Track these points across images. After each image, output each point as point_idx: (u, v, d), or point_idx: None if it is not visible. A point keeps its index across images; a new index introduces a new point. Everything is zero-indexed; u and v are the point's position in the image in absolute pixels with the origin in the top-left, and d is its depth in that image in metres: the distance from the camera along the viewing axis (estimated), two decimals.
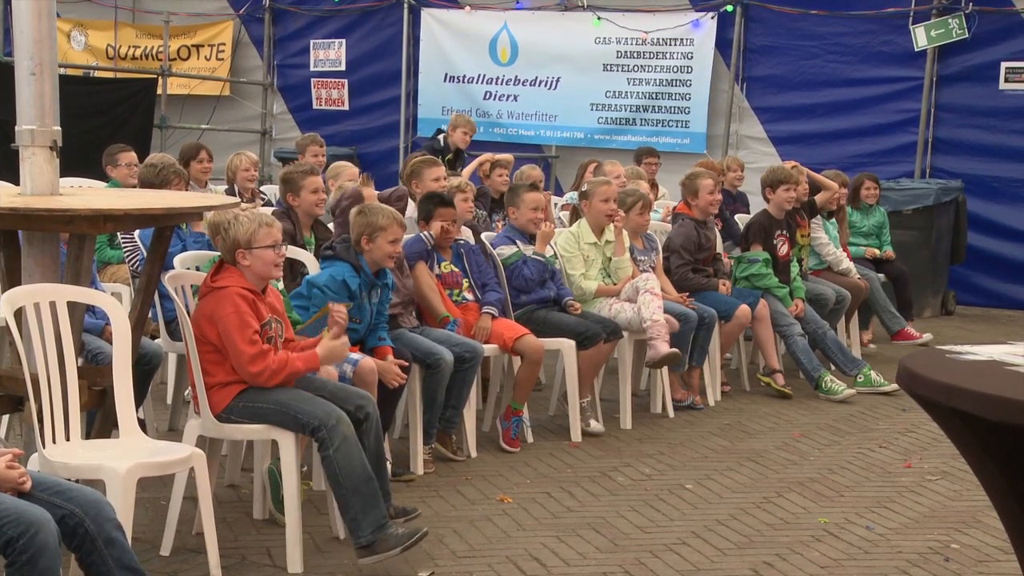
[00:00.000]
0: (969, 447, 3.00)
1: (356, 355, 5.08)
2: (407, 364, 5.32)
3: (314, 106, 14.00)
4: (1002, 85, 10.98)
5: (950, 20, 11.05)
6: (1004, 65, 10.95)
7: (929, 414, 3.02)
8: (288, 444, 4.41)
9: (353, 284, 5.17)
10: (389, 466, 5.40)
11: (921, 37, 11.19)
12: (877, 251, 9.26)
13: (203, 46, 14.36)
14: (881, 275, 9.02)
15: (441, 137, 9.71)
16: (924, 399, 2.92)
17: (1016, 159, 10.91)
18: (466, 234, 6.61)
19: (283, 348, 4.53)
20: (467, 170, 8.61)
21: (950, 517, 5.15)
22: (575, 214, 7.14)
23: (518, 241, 6.51)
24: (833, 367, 7.72)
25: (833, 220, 8.72)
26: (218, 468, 4.99)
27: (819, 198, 8.43)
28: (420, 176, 6.81)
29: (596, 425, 6.33)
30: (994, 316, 10.74)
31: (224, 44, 14.29)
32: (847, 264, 8.51)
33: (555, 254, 6.75)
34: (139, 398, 5.38)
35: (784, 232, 7.72)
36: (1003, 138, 10.97)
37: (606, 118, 12.68)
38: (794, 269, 7.76)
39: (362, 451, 4.39)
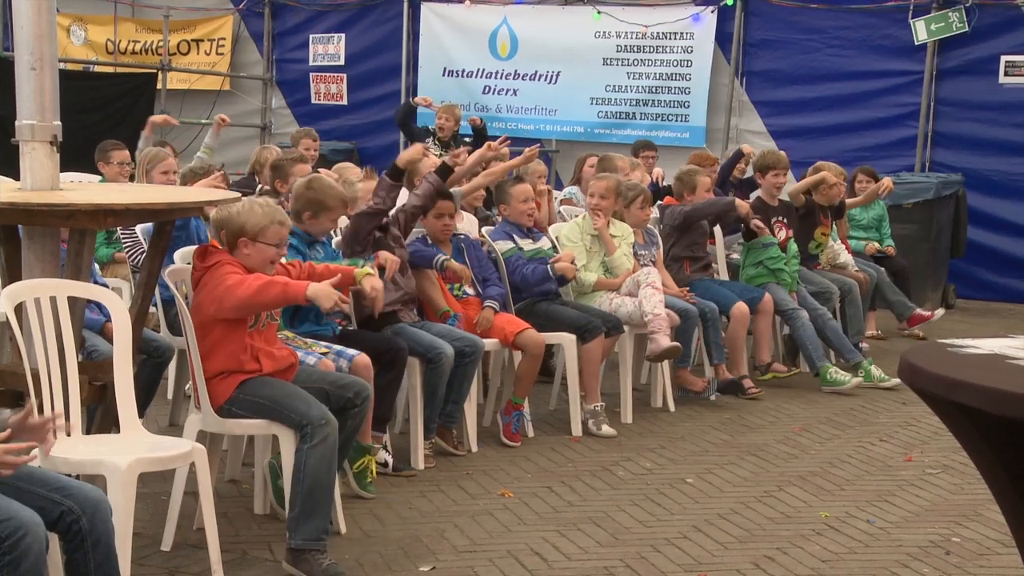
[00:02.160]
0: (971, 441, 2.99)
1: (352, 351, 5.06)
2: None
3: (312, 101, 14.00)
4: (1002, 79, 10.97)
5: (950, 13, 11.05)
6: (1004, 59, 10.95)
7: (931, 407, 3.01)
8: (288, 439, 4.41)
9: (294, 241, 5.13)
10: (391, 460, 5.42)
11: (921, 31, 11.18)
12: (877, 245, 9.25)
13: (203, 41, 14.35)
14: (881, 269, 9.01)
15: (431, 138, 9.74)
16: (926, 393, 2.91)
17: (1016, 153, 10.91)
18: (470, 224, 6.61)
19: (268, 328, 4.52)
20: (471, 160, 8.60)
21: (951, 511, 5.16)
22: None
23: (515, 236, 6.50)
24: (833, 355, 7.72)
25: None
26: (219, 463, 4.99)
27: (850, 202, 8.49)
28: (415, 170, 6.78)
29: (608, 429, 6.31)
30: (994, 309, 10.74)
31: (224, 39, 14.28)
32: (844, 258, 8.50)
33: (554, 246, 6.75)
34: (151, 392, 5.39)
35: (781, 218, 7.72)
36: (1003, 132, 10.97)
37: (606, 112, 12.68)
38: (790, 252, 7.71)
39: (335, 461, 4.39)
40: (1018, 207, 10.96)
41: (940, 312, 8.88)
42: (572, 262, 6.47)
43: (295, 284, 4.39)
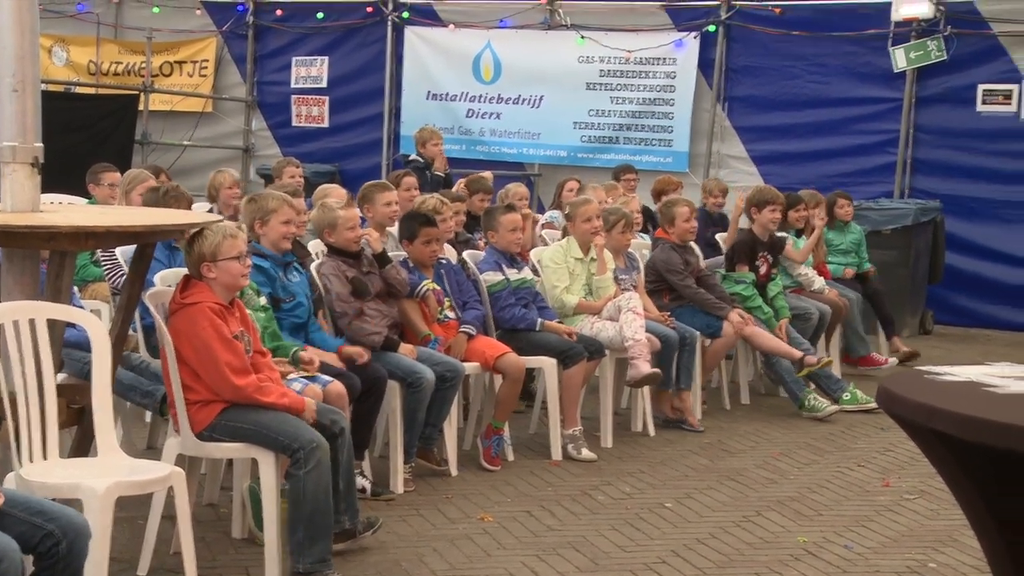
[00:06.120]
0: (947, 467, 3.01)
1: (326, 377, 5.05)
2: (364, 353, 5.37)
3: (293, 123, 13.99)
4: (979, 107, 11.09)
5: (929, 42, 11.16)
6: (981, 87, 11.07)
7: (908, 434, 3.03)
8: (268, 463, 4.40)
9: (266, 264, 5.19)
10: (369, 485, 5.41)
11: (900, 59, 11.29)
12: (854, 270, 9.24)
13: (186, 63, 14.35)
14: (856, 296, 8.98)
15: (417, 158, 9.70)
16: (903, 419, 2.93)
17: (993, 180, 11.01)
18: (449, 253, 6.63)
19: (252, 360, 4.53)
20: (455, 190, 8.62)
21: (928, 536, 5.17)
22: (565, 234, 7.17)
23: (503, 265, 6.50)
24: (813, 387, 7.73)
25: (804, 238, 8.71)
26: (196, 487, 4.97)
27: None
28: (372, 200, 6.65)
29: (588, 453, 6.31)
30: (972, 336, 10.80)
31: (207, 61, 14.28)
32: (819, 284, 8.49)
33: (535, 271, 6.77)
34: None
35: (766, 253, 7.76)
36: (980, 159, 11.08)
37: (589, 136, 12.72)
38: (775, 287, 7.75)
39: (331, 483, 4.39)
40: (996, 233, 11.05)
41: (893, 361, 8.74)
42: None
43: (296, 400, 4.47)
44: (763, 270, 7.72)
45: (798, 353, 7.31)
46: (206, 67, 14.26)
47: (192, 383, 4.42)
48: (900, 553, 4.96)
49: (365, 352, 5.36)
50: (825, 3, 11.71)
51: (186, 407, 4.43)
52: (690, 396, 7.06)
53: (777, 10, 11.85)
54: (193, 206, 8.12)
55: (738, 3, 12.04)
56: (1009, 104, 10.99)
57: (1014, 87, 10.98)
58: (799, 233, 8.71)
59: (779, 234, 8.09)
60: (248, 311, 4.76)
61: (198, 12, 14.27)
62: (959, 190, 11.12)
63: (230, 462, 5.05)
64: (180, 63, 14.35)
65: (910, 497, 5.74)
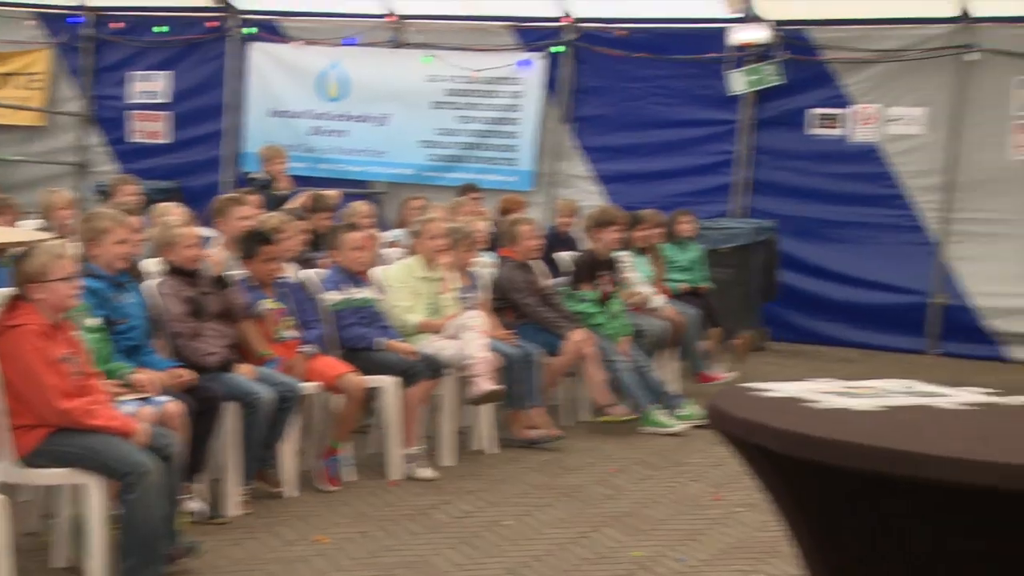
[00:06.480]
0: (768, 481, 3.10)
1: (162, 398, 4.94)
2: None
3: (128, 139, 13.62)
4: (811, 130, 11.54)
5: (764, 67, 11.54)
6: (813, 111, 11.52)
7: (733, 449, 3.11)
8: (96, 488, 4.27)
9: (99, 286, 5.06)
10: (205, 508, 5.29)
11: (736, 82, 11.64)
12: (688, 285, 9.45)
13: (16, 75, 13.83)
14: (694, 312, 9.17)
15: (259, 176, 9.57)
16: (728, 434, 3.01)
17: (824, 201, 11.45)
18: (290, 271, 6.55)
19: (81, 383, 4.40)
20: (291, 205, 8.52)
21: (756, 547, 5.31)
22: (412, 252, 7.15)
23: (346, 285, 6.47)
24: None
25: (646, 257, 8.88)
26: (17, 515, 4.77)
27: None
28: (225, 215, 6.62)
29: (428, 472, 6.29)
30: (804, 351, 11.15)
31: (39, 73, 13.80)
32: (658, 302, 8.66)
33: (379, 289, 6.74)
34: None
35: (607, 273, 7.88)
36: (812, 180, 11.52)
37: (435, 155, 12.74)
38: (616, 305, 7.88)
39: (164, 508, 4.29)
40: (826, 252, 11.48)
41: (731, 376, 8.97)
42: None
43: (127, 423, 4.38)
44: (607, 288, 7.84)
45: (603, 400, 7.45)
46: (39, 80, 13.78)
47: (17, 407, 4.28)
48: (729, 565, 5.08)
49: (187, 373, 5.23)
50: (665, 27, 12.00)
51: (10, 431, 4.27)
52: (543, 411, 7.12)
53: (620, 32, 12.09)
54: (23, 223, 7.88)
55: (584, 24, 12.24)
56: (837, 128, 11.48)
57: (842, 111, 11.46)
58: (641, 251, 8.88)
59: (617, 253, 8.23)
60: (78, 332, 4.62)
61: (30, 23, 13.79)
62: (794, 210, 11.51)
63: (54, 488, 4.87)
64: (10, 75, 13.83)
65: (740, 510, 5.88)
